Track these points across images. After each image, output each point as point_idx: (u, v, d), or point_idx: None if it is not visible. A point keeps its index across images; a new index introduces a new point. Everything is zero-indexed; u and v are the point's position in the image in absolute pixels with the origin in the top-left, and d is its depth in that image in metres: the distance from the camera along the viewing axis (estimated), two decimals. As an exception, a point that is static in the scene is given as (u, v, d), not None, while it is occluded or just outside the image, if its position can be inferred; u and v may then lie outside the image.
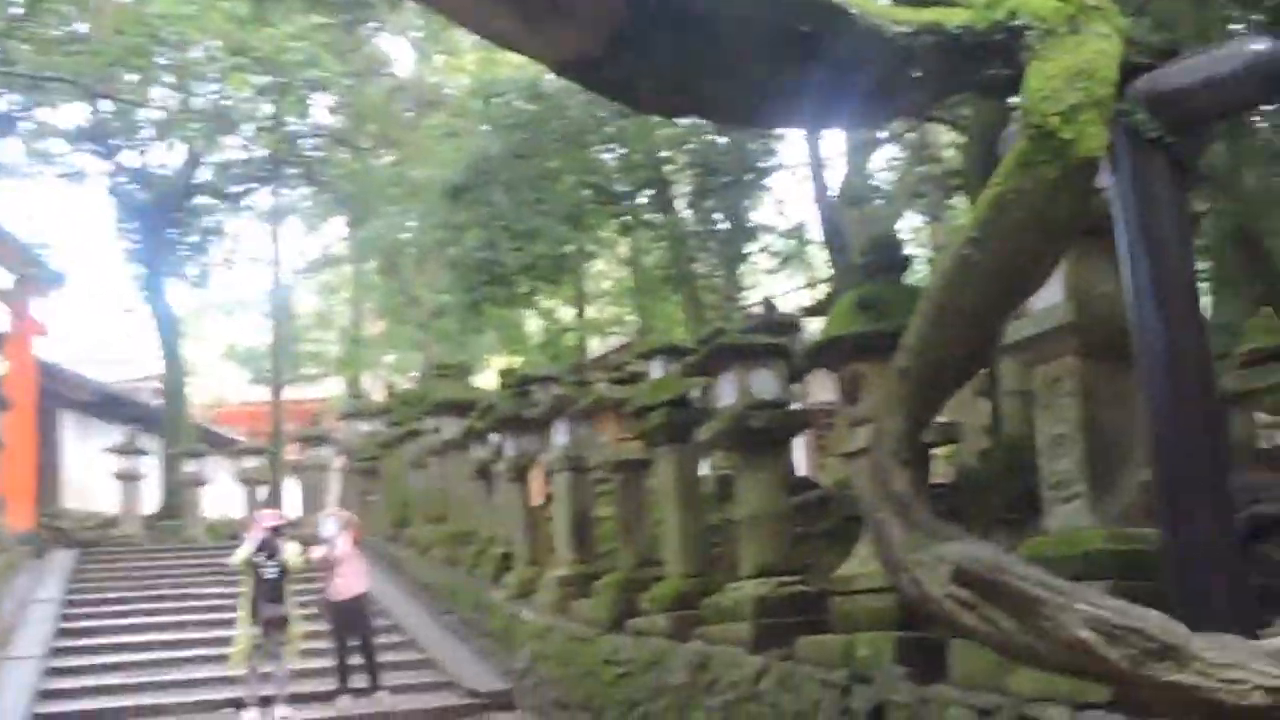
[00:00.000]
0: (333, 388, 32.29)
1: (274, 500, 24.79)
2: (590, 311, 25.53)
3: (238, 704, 9.50)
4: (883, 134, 15.49)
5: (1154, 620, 1.35)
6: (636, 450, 9.45)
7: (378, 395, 24.72)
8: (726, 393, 7.56)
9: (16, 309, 20.57)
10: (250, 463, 21.44)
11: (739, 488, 7.47)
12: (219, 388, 34.19)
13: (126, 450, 19.92)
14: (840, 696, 5.47)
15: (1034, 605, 1.37)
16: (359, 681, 9.70)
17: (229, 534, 20.68)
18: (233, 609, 12.90)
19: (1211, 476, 1.80)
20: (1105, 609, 1.35)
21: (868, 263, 6.56)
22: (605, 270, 28.04)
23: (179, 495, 21.38)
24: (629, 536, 9.47)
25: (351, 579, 9.81)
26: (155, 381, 27.76)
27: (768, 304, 11.60)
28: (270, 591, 9.40)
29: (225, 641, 11.42)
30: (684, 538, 8.28)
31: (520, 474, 11.49)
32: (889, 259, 6.53)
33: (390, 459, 17.66)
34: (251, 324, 32.18)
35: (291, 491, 27.84)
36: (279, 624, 9.39)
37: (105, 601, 13.39)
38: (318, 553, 9.83)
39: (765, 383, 7.39)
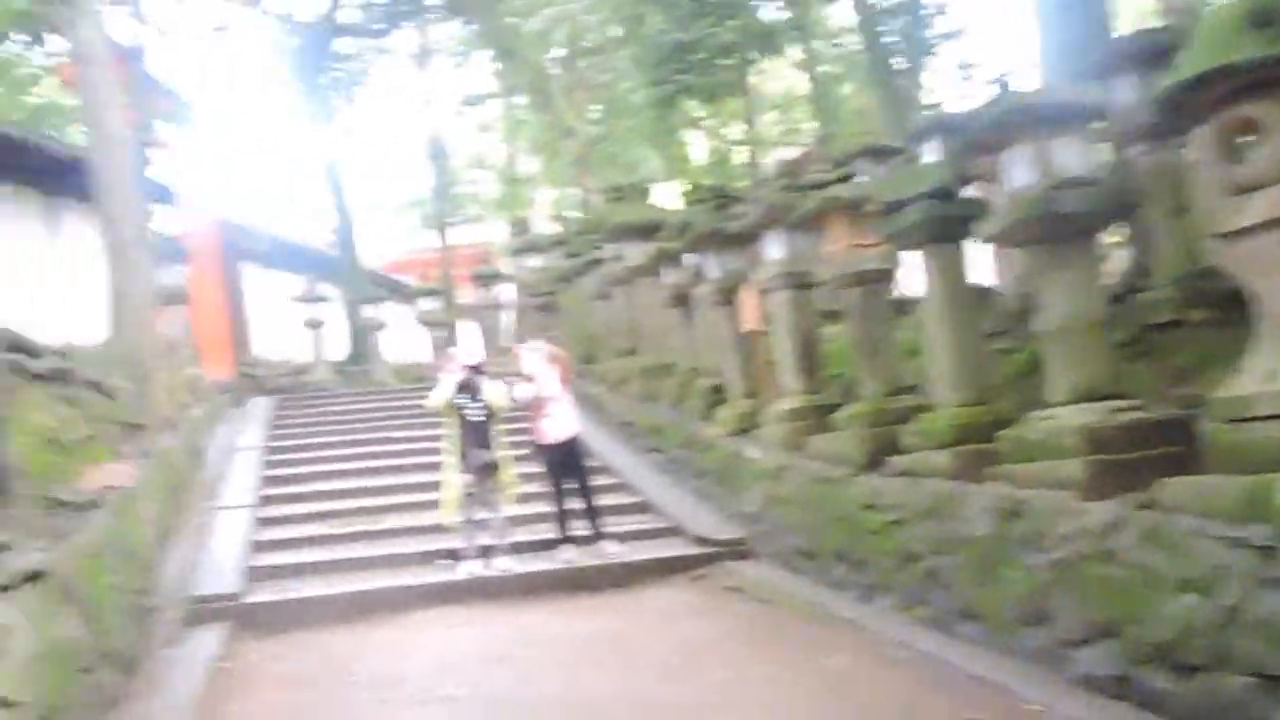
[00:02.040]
0: (496, 229, 31.69)
1: (451, 342, 24.55)
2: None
3: (452, 554, 8.82)
4: None
5: None
6: (876, 257, 8.05)
7: (543, 229, 23.86)
8: (1018, 172, 6.00)
9: (187, 167, 20.32)
10: (427, 305, 20.94)
11: (1043, 292, 5.99)
12: (386, 237, 34.10)
13: (309, 298, 19.66)
14: (1258, 560, 4.08)
15: None
16: (580, 529, 8.87)
17: (414, 376, 20.47)
18: (433, 452, 12.45)
19: None
20: None
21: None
22: (768, 82, 25.94)
23: (362, 340, 21.21)
24: (872, 360, 8.15)
25: (563, 418, 8.86)
26: (327, 232, 27.64)
27: (1003, 83, 9.64)
28: (477, 435, 8.53)
29: (430, 488, 10.91)
30: (957, 357, 6.89)
31: (727, 297, 10.27)
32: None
33: (568, 292, 16.75)
34: (412, 169, 31.62)
35: (467, 332, 27.63)
36: (490, 470, 8.56)
37: (305, 448, 13.05)
38: (523, 391, 8.87)
39: (1072, 154, 5.79)
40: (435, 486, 10.87)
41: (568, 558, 8.69)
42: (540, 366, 8.88)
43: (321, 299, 19.85)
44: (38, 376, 10.10)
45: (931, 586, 6.47)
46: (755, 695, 5.59)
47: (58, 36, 16.74)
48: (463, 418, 8.56)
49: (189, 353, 15.22)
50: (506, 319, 21.19)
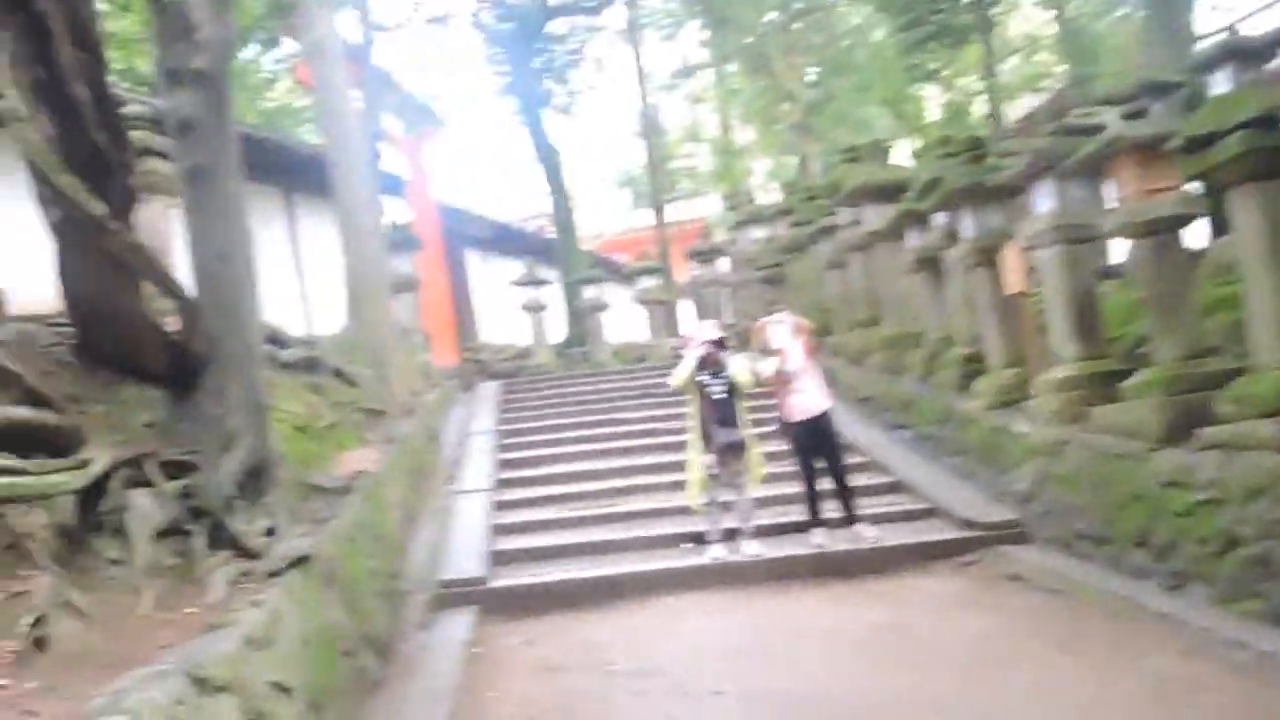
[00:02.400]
0: (710, 204, 31.31)
1: (671, 321, 24.33)
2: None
3: (697, 538, 8.44)
4: None
5: None
6: (1173, 202, 7.08)
7: (765, 199, 23.23)
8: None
9: (411, 156, 20.85)
10: (646, 283, 20.72)
11: None
12: (600, 217, 34.28)
13: (529, 282, 19.78)
14: None
15: None
16: (831, 511, 8.32)
17: (635, 356, 20.33)
18: (664, 433, 12.14)
19: None
20: None
21: None
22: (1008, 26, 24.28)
23: (582, 322, 21.24)
24: (1169, 320, 7.19)
25: (811, 394, 8.30)
26: (542, 216, 27.97)
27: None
28: (721, 414, 8.08)
29: (666, 469, 10.63)
30: (1286, 312, 5.92)
31: (986, 257, 9.42)
32: None
33: (797, 263, 16.09)
34: (624, 147, 31.64)
35: (687, 310, 27.40)
36: (735, 450, 8.11)
37: (536, 431, 13.01)
38: (768, 367, 8.36)
39: None
40: (671, 468, 10.58)
41: (819, 542, 8.15)
42: (786, 339, 8.35)
43: (542, 282, 19.96)
44: (286, 365, 10.39)
45: (1262, 576, 5.56)
46: (1071, 700, 4.90)
47: (289, 41, 17.44)
48: (705, 395, 8.13)
49: (421, 339, 15.53)
50: (727, 295, 20.76)
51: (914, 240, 11.09)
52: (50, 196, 4.63)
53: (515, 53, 21.72)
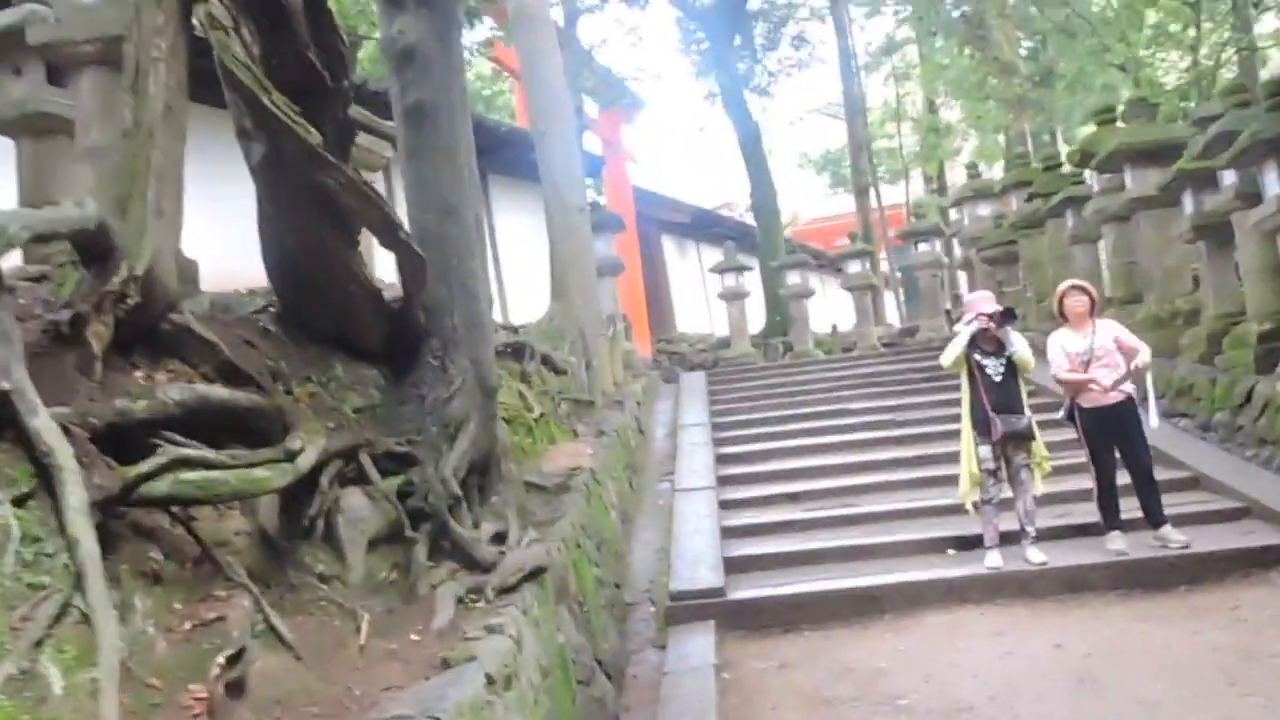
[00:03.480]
0: (913, 187, 29.59)
1: (878, 308, 22.90)
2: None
3: (962, 543, 7.25)
4: None
5: None
6: None
7: (991, 174, 21.50)
8: None
9: (607, 137, 20.19)
10: (854, 268, 19.34)
11: None
12: (794, 204, 32.93)
13: (730, 268, 18.73)
14: None
15: None
16: (1129, 512, 6.96)
17: (843, 345, 19.07)
18: (897, 425, 10.96)
19: None
20: None
21: None
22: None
23: (782, 310, 20.09)
24: None
25: (1109, 378, 6.94)
26: (736, 201, 26.92)
27: None
28: (999, 397, 6.83)
29: (907, 465, 9.51)
30: None
31: (1298, 215, 7.85)
32: None
33: (1032, 240, 14.49)
34: (822, 129, 30.17)
35: (890, 299, 25.89)
36: (1018, 439, 6.85)
37: (751, 424, 12.03)
38: (1079, 344, 6.99)
39: None
40: (913, 463, 9.49)
41: (1118, 548, 6.80)
42: (1085, 312, 7.04)
43: (743, 268, 18.89)
44: (495, 354, 9.72)
45: None
46: None
47: (488, 20, 16.96)
48: (981, 376, 6.90)
49: (623, 326, 14.77)
50: (942, 278, 19.23)
51: (1193, 205, 9.53)
52: (254, 126, 3.86)
53: (715, 30, 20.76)
